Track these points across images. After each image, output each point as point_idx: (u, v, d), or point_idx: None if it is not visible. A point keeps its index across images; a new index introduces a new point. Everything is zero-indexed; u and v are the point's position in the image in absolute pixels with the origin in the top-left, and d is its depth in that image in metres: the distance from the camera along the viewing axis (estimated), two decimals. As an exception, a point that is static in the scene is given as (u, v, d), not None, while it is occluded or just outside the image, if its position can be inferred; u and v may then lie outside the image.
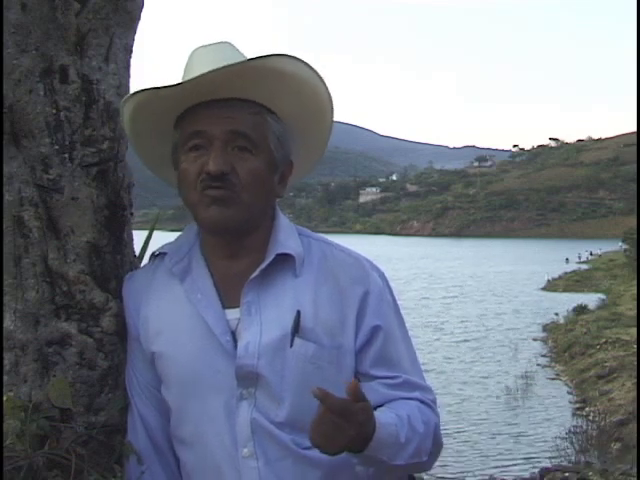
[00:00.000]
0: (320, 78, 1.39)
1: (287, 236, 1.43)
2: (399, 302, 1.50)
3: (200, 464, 1.40)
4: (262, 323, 1.36)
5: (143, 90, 1.35)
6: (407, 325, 1.50)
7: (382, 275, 1.48)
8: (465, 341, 25.31)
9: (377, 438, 1.26)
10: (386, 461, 1.29)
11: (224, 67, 1.30)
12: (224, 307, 1.40)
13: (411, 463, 1.34)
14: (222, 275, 1.42)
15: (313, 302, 1.38)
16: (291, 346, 1.35)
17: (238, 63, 1.32)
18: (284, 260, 1.40)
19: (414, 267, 58.18)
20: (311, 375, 1.35)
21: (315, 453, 1.33)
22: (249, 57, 1.35)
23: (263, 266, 1.38)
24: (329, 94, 1.42)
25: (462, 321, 29.50)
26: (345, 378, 1.38)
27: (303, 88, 1.39)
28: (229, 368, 1.36)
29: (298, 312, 1.35)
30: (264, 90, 1.37)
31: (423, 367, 1.51)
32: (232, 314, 1.39)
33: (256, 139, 1.36)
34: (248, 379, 1.35)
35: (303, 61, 1.36)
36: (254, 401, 1.35)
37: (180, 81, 1.34)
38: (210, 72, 1.29)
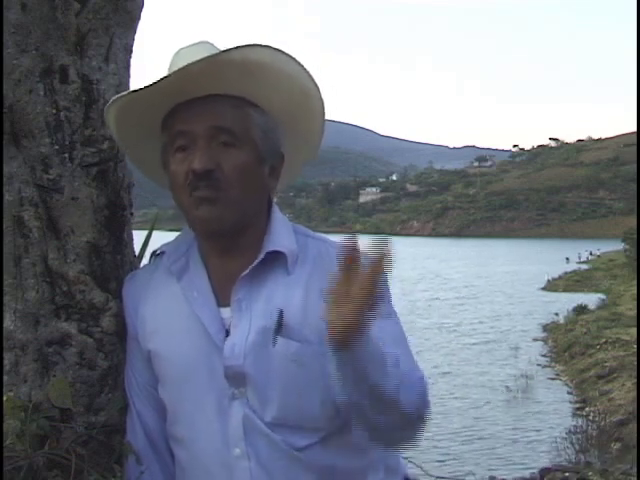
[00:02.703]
0: (301, 66, 1.36)
1: (281, 234, 1.42)
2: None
3: (193, 462, 1.40)
4: (252, 321, 1.36)
5: (122, 96, 1.35)
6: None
7: None
8: (466, 341, 25.31)
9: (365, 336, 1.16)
10: (366, 371, 1.18)
11: (195, 62, 1.28)
12: (219, 305, 1.39)
13: (394, 400, 1.23)
14: (218, 273, 1.42)
15: (303, 300, 1.37)
16: (273, 345, 1.34)
17: (208, 57, 1.30)
18: (276, 258, 1.39)
19: (419, 267, 58.15)
20: (296, 373, 1.34)
21: (308, 454, 1.33)
22: (222, 50, 1.33)
23: (254, 264, 1.38)
24: (314, 83, 1.39)
25: (464, 321, 29.51)
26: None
27: (283, 78, 1.37)
28: (222, 367, 1.36)
29: (280, 311, 1.34)
30: (242, 83, 1.35)
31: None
32: (227, 312, 1.39)
33: (238, 132, 1.35)
34: (237, 379, 1.35)
35: (281, 51, 1.33)
36: (246, 401, 1.35)
37: (153, 81, 1.32)
38: (183, 68, 1.29)
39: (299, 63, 1.36)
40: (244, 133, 1.36)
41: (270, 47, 1.33)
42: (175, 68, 1.33)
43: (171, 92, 1.34)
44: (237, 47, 1.31)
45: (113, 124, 1.41)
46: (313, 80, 1.39)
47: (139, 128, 1.42)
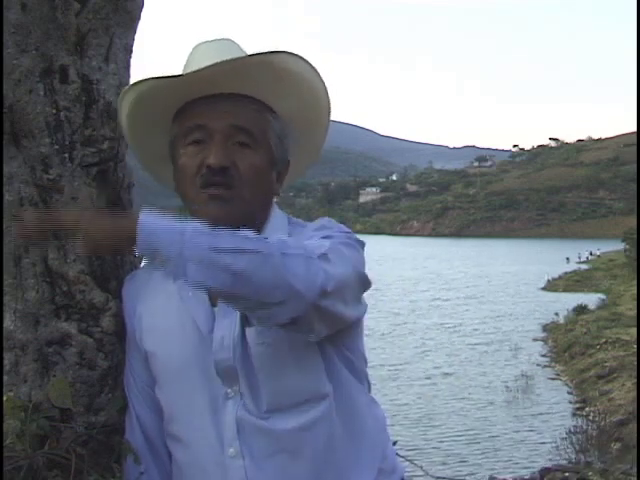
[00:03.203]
0: (320, 77, 1.39)
1: (275, 228, 1.42)
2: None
3: (189, 461, 1.40)
4: (239, 313, 1.34)
5: (143, 80, 1.35)
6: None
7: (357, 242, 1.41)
8: (467, 342, 25.31)
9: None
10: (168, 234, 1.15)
11: (228, 60, 1.30)
12: (214, 305, 1.39)
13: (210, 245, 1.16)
14: None
15: None
16: (244, 337, 1.33)
17: (241, 57, 1.33)
18: None
19: (420, 267, 58.18)
20: (268, 355, 1.33)
21: (304, 447, 1.33)
22: (251, 53, 1.36)
23: None
24: (327, 94, 1.42)
25: (465, 321, 29.50)
26: (304, 347, 1.35)
27: (303, 87, 1.39)
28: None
29: None
30: (265, 87, 1.37)
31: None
32: None
33: (257, 135, 1.36)
34: (229, 375, 1.34)
35: (305, 60, 1.36)
36: (239, 399, 1.34)
37: (181, 73, 1.34)
38: (213, 65, 1.30)
39: (315, 70, 1.38)
40: (261, 136, 1.37)
41: (294, 54, 1.35)
42: (197, 62, 1.33)
43: (190, 86, 1.34)
44: (271, 52, 1.33)
45: (126, 110, 1.40)
46: (324, 84, 1.41)
47: (148, 119, 1.42)
